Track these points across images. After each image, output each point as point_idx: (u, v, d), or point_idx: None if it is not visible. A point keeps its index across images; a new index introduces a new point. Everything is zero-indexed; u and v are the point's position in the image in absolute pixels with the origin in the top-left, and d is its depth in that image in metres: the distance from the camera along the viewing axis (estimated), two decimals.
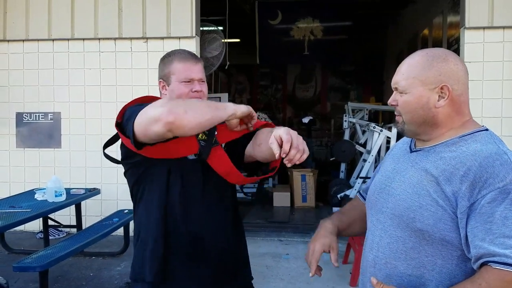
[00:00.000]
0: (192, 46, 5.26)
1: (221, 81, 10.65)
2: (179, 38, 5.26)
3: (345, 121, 7.93)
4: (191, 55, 1.64)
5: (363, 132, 7.72)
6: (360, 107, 8.61)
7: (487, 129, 1.25)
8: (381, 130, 6.62)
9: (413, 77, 1.24)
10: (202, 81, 1.62)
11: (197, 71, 1.60)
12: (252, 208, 6.59)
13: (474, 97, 4.73)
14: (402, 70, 1.28)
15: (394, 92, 1.30)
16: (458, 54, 5.03)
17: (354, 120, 7.92)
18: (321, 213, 6.29)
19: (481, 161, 1.13)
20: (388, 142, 6.80)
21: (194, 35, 5.28)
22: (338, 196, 6.64)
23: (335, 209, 6.45)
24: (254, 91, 12.74)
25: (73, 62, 5.47)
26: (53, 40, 5.47)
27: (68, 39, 5.47)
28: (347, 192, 6.64)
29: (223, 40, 6.04)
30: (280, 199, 6.28)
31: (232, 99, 12.70)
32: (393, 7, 9.20)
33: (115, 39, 5.41)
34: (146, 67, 5.34)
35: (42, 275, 3.16)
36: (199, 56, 5.39)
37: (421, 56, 1.27)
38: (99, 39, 5.43)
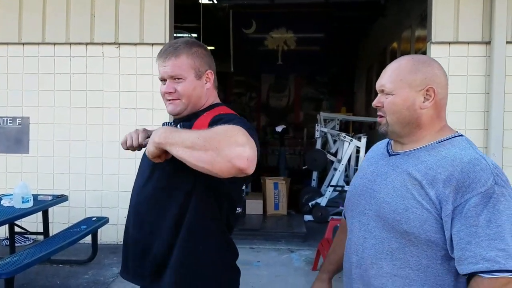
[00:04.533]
0: None
1: None
2: (152, 44, 5.25)
3: (317, 130, 8.06)
4: (164, 49, 1.47)
5: (334, 141, 7.86)
6: (332, 117, 8.76)
7: (461, 135, 1.32)
8: (351, 140, 6.75)
9: (400, 79, 1.30)
10: (177, 78, 1.43)
11: (168, 68, 1.43)
12: None
13: None
14: (388, 73, 1.33)
15: (379, 94, 1.35)
16: None
17: (325, 130, 8.05)
18: (292, 221, 6.32)
19: (462, 167, 1.18)
20: (358, 151, 6.93)
21: (167, 41, 5.28)
22: (310, 204, 6.73)
23: (306, 216, 6.52)
24: (228, 99, 12.76)
25: (43, 66, 5.38)
26: (23, 44, 5.37)
27: (38, 43, 5.38)
28: (318, 200, 6.72)
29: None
30: (253, 206, 6.30)
31: None
32: (364, 21, 9.43)
33: (86, 44, 5.36)
34: (118, 73, 5.31)
35: (7, 282, 3.08)
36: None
37: (407, 60, 1.33)
38: (70, 44, 5.36)
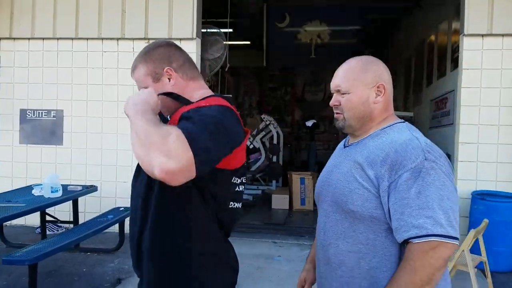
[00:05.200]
0: (193, 48, 5.33)
1: (228, 82, 10.69)
2: (180, 39, 5.32)
3: None
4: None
5: None
6: None
7: (403, 122, 1.47)
8: None
9: (354, 79, 1.45)
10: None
11: (135, 83, 1.48)
12: (252, 210, 6.62)
13: (471, 104, 4.74)
14: (341, 75, 1.48)
15: (335, 94, 1.49)
16: (458, 61, 5.02)
17: None
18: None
19: (396, 147, 1.32)
20: None
21: (194, 37, 5.35)
22: None
23: None
24: (263, 93, 12.78)
25: (77, 61, 5.58)
26: (57, 39, 5.59)
27: (72, 38, 5.58)
28: None
29: (224, 43, 6.08)
30: (279, 201, 6.30)
31: (241, 101, 12.78)
32: (400, 12, 9.16)
33: (117, 39, 5.51)
34: None
35: (31, 268, 3.23)
36: (199, 58, 5.50)
37: (356, 61, 1.48)
38: (102, 39, 5.53)
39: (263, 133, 9.73)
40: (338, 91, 1.46)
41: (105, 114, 5.51)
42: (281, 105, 13.07)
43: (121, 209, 4.73)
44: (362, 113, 1.44)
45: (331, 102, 1.49)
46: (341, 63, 1.50)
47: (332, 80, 1.49)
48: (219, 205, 1.39)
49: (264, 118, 9.57)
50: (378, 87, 1.44)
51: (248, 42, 10.49)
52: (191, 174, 1.14)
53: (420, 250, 1.22)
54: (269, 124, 9.60)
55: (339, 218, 1.42)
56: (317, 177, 6.36)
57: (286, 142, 10.32)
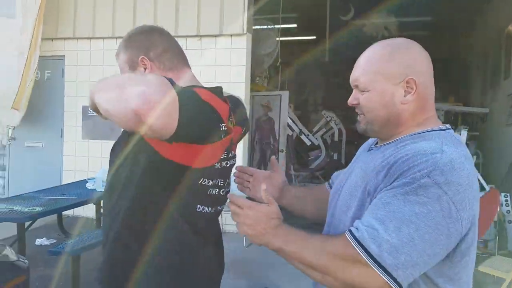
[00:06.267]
0: (243, 43, 5.28)
1: (286, 77, 10.51)
2: (231, 35, 5.30)
3: None
4: None
5: None
6: (436, 107, 8.03)
7: (445, 129, 1.12)
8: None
9: (374, 71, 1.12)
10: None
11: None
12: None
13: None
14: (361, 65, 1.15)
15: (354, 90, 1.18)
16: None
17: None
18: None
19: (409, 157, 1.02)
20: None
21: (245, 32, 5.29)
22: None
23: None
24: (325, 89, 12.46)
25: None
26: (116, 38, 5.79)
27: None
28: None
29: (277, 38, 5.97)
30: None
31: (305, 97, 12.57)
32: (477, 1, 8.46)
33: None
34: (199, 65, 5.45)
35: (73, 260, 3.34)
36: (250, 53, 5.42)
37: (381, 47, 1.15)
38: None
39: (324, 129, 9.50)
40: (357, 86, 1.16)
41: None
42: (345, 101, 12.65)
43: None
44: (386, 116, 1.12)
45: (349, 100, 1.18)
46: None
47: (352, 71, 1.19)
48: (184, 207, 1.26)
49: (324, 114, 9.34)
50: (407, 82, 1.09)
51: (314, 37, 10.27)
52: (173, 118, 1.00)
53: (343, 244, 0.99)
54: (330, 120, 9.35)
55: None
56: None
57: (351, 139, 10.02)
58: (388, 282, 0.94)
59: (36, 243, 4.94)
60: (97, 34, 5.86)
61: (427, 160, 0.99)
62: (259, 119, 7.28)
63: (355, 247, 0.97)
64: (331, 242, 1.03)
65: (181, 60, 1.41)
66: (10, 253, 2.78)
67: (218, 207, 1.35)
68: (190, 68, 1.44)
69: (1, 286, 2.65)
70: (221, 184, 1.32)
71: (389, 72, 1.10)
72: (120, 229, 1.27)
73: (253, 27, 6.00)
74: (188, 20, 5.49)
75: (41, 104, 6.03)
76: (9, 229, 3.95)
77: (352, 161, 1.33)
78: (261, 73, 6.96)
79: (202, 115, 1.15)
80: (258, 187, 1.34)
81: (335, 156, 9.33)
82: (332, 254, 1.00)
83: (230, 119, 1.30)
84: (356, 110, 1.19)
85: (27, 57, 5.55)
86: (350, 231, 1.00)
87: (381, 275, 0.94)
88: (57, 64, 6.12)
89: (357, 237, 0.97)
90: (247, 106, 5.60)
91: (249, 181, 1.42)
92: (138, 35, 1.37)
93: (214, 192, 1.29)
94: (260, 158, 7.31)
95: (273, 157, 1.44)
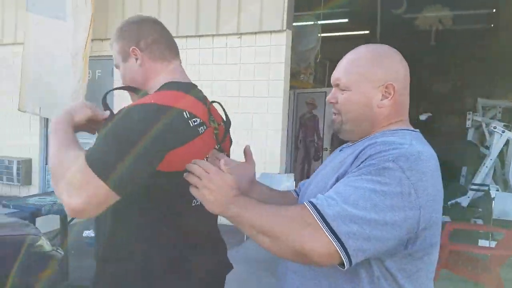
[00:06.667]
0: (283, 40, 5.24)
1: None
2: (271, 32, 5.27)
3: (469, 119, 7.11)
4: None
5: (491, 133, 6.81)
6: (492, 104, 7.57)
7: (415, 131, 1.17)
8: (503, 131, 5.74)
9: (358, 73, 1.16)
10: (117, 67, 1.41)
11: None
12: None
13: None
14: (345, 65, 1.19)
15: (334, 88, 1.21)
16: None
17: (480, 119, 7.04)
18: None
19: (379, 145, 1.06)
20: None
21: (285, 28, 5.23)
22: (448, 203, 5.98)
23: (443, 218, 5.80)
24: None
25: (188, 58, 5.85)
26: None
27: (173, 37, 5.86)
28: (459, 199, 5.93)
29: (319, 34, 5.86)
30: None
31: None
32: None
33: (213, 35, 5.66)
34: (239, 62, 5.47)
35: None
36: (289, 50, 5.35)
37: (367, 51, 1.19)
38: (199, 36, 5.73)
39: None
40: (337, 85, 1.20)
41: None
42: None
43: None
44: (362, 117, 1.17)
45: (328, 98, 1.22)
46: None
47: (334, 70, 1.23)
48: (181, 206, 1.26)
49: None
50: (386, 87, 1.14)
51: (363, 32, 10.01)
52: (108, 199, 1.07)
53: (302, 213, 0.99)
54: None
55: None
56: None
57: None
58: (338, 250, 0.94)
59: (83, 235, 5.18)
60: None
61: (395, 147, 1.02)
62: (303, 116, 7.19)
63: (310, 210, 0.98)
64: (288, 208, 1.04)
65: (172, 51, 1.40)
66: (45, 244, 2.93)
67: None
68: (179, 60, 1.43)
69: (35, 275, 2.80)
70: None
71: (373, 76, 1.14)
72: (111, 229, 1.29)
73: (295, 24, 5.94)
74: (229, 18, 5.52)
75: (93, 102, 6.29)
76: (57, 222, 4.15)
77: (321, 165, 1.36)
78: (306, 70, 6.86)
79: (162, 124, 1.14)
80: None
81: None
82: (287, 217, 1.01)
83: (211, 118, 1.31)
84: (333, 109, 1.22)
85: (82, 58, 5.83)
86: (309, 200, 1.02)
87: (332, 240, 0.94)
88: (107, 64, 6.37)
89: (314, 203, 0.99)
90: (288, 104, 5.55)
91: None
92: (129, 25, 1.37)
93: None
94: (304, 156, 7.22)
95: (247, 145, 1.40)
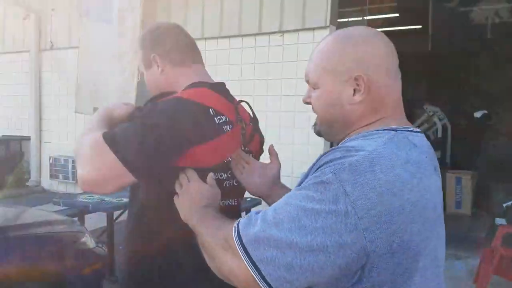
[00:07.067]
0: None
1: None
2: (313, 29, 5.19)
3: None
4: None
5: None
6: None
7: (399, 130, 0.93)
8: None
9: (322, 67, 0.98)
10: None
11: None
12: None
13: None
14: (312, 59, 1.01)
15: (308, 86, 1.05)
16: None
17: None
18: (475, 223, 5.44)
19: (333, 153, 0.87)
20: None
21: (328, 25, 5.12)
22: (504, 204, 5.64)
23: (498, 220, 5.49)
24: (431, 81, 11.60)
25: (220, 58, 5.89)
26: (205, 39, 5.97)
27: (217, 38, 5.91)
28: None
29: None
30: None
31: (403, 90, 11.81)
32: None
33: (255, 35, 5.64)
34: (281, 61, 5.43)
35: None
36: None
37: (332, 39, 0.99)
38: (242, 36, 5.73)
39: (426, 125, 8.87)
40: (308, 82, 1.04)
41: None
42: (453, 94, 11.67)
43: (248, 199, 4.83)
44: (333, 117, 0.99)
45: (303, 98, 1.06)
46: None
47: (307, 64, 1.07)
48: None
49: (426, 108, 8.72)
50: (355, 79, 0.93)
51: (419, 26, 9.65)
52: (121, 176, 1.07)
53: (226, 234, 0.90)
54: (433, 115, 8.71)
55: None
56: (479, 178, 5.46)
57: (460, 136, 9.20)
58: (255, 277, 0.82)
59: None
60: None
61: (345, 156, 0.84)
62: None
63: (233, 231, 0.88)
64: (225, 226, 0.93)
65: (191, 56, 1.39)
66: (89, 241, 3.02)
67: (239, 199, 1.36)
68: (201, 63, 1.42)
69: (79, 272, 2.90)
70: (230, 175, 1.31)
71: (335, 68, 0.95)
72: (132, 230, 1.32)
73: (340, 20, 5.81)
74: (271, 16, 5.48)
75: (143, 103, 6.44)
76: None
77: None
78: None
79: (187, 118, 1.14)
80: (249, 175, 1.28)
81: (438, 155, 8.67)
82: (218, 238, 0.93)
83: (239, 117, 1.29)
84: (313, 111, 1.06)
85: (130, 60, 6.00)
86: (240, 218, 0.92)
87: (248, 266, 0.82)
88: None
89: (239, 222, 0.89)
90: None
91: (243, 168, 1.34)
92: (148, 34, 1.40)
93: (231, 184, 1.28)
94: None
95: (271, 145, 1.35)
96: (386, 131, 0.92)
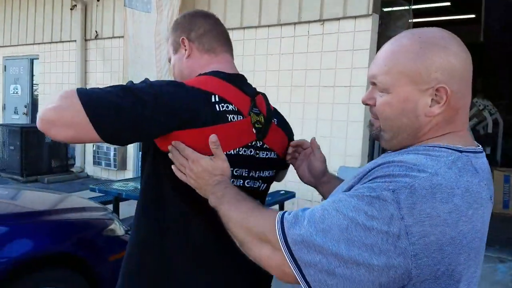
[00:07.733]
0: (368, 25, 4.94)
1: None
2: (355, 17, 5.00)
3: None
4: None
5: None
6: None
7: (464, 151, 0.87)
8: None
9: (398, 71, 0.89)
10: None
11: None
12: None
13: None
14: (382, 60, 0.92)
15: (371, 87, 0.96)
16: None
17: None
18: None
19: (391, 164, 0.84)
20: None
21: (371, 13, 4.92)
22: None
23: None
24: (482, 73, 11.02)
25: (259, 48, 5.81)
26: (244, 28, 5.91)
27: (256, 27, 5.83)
28: None
29: (410, 20, 5.44)
30: None
31: None
32: None
33: (294, 24, 5.50)
34: (320, 51, 5.27)
35: None
36: (375, 35, 5.01)
37: (410, 41, 0.90)
38: (281, 25, 5.61)
39: (476, 120, 8.44)
40: (374, 84, 0.95)
41: (280, 99, 5.58)
42: (505, 88, 11.03)
43: (282, 192, 4.76)
44: (404, 127, 0.91)
45: (363, 98, 0.98)
46: None
47: (371, 64, 0.98)
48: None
49: (476, 102, 8.28)
50: (437, 90, 0.86)
51: (473, 16, 9.18)
52: (82, 126, 1.01)
53: (264, 224, 0.89)
54: (483, 109, 8.27)
55: None
56: None
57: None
58: (296, 276, 0.82)
59: None
60: (227, 25, 6.04)
61: (406, 175, 0.80)
62: None
63: (276, 226, 0.86)
64: (260, 214, 0.93)
65: (221, 44, 1.33)
66: (118, 228, 3.04)
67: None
68: (230, 54, 1.36)
69: (106, 258, 2.93)
70: (245, 175, 1.23)
71: (416, 73, 0.87)
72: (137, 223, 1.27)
73: (385, 9, 5.57)
74: (311, 4, 5.32)
75: None
76: None
77: None
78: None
79: (180, 99, 1.10)
80: (302, 160, 1.33)
81: (488, 151, 8.23)
82: (253, 226, 0.92)
83: (254, 110, 1.22)
84: (371, 114, 0.99)
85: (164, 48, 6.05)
86: (283, 212, 0.89)
87: (290, 265, 0.82)
88: None
89: (284, 218, 0.86)
90: None
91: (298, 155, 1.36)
92: (183, 18, 1.38)
93: (237, 183, 1.20)
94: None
95: (313, 138, 1.33)
96: (451, 150, 0.87)
